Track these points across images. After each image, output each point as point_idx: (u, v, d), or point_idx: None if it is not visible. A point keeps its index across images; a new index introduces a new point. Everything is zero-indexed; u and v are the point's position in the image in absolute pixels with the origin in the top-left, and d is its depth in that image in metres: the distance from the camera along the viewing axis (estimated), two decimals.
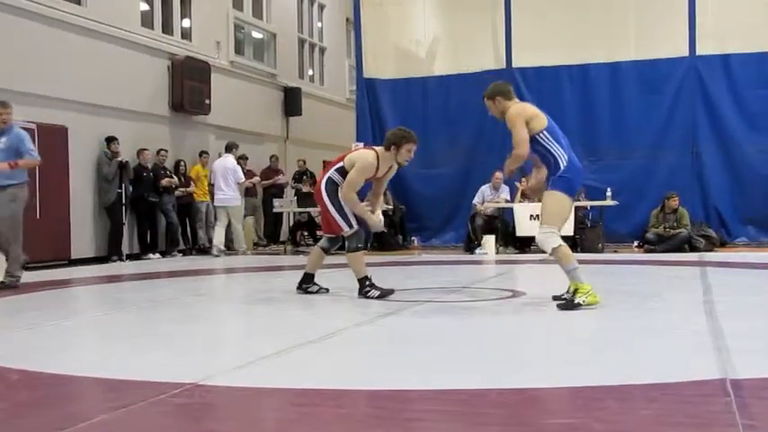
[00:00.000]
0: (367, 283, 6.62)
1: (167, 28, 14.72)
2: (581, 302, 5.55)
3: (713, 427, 2.80)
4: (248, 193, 15.27)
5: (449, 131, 14.64)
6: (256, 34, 17.71)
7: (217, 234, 13.72)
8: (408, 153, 6.59)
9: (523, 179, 13.81)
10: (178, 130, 14.72)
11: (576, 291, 5.63)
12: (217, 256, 13.34)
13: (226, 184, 13.61)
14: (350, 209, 6.52)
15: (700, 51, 13.63)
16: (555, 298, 5.97)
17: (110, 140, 12.59)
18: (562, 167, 5.74)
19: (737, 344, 4.22)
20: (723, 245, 12.91)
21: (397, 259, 11.92)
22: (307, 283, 7.11)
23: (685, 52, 13.68)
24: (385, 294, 6.52)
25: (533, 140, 5.76)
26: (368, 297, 6.54)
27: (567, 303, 5.65)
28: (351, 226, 6.60)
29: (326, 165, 7.09)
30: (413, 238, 14.70)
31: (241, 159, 15.67)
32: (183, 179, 14.06)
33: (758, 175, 13.33)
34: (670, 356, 4.06)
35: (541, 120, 5.82)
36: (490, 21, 14.89)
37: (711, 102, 13.64)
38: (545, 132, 5.77)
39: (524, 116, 5.81)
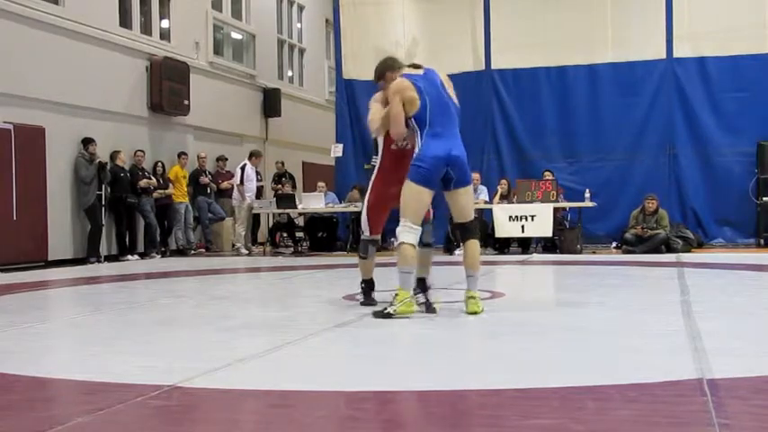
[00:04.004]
0: (362, 285, 6.42)
1: (146, 28, 14.66)
2: (391, 312, 5.38)
3: (690, 427, 2.82)
4: (226, 194, 15.24)
5: None
6: (235, 35, 17.66)
7: (239, 233, 14.66)
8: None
9: (503, 181, 13.89)
10: (156, 130, 14.65)
11: (396, 296, 5.50)
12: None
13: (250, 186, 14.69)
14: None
15: (676, 54, 13.77)
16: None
17: (87, 142, 12.51)
18: (415, 154, 5.56)
19: (714, 344, 4.26)
20: (700, 246, 13.03)
21: (376, 261, 11.90)
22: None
23: (662, 55, 13.82)
24: (364, 303, 6.31)
25: (406, 122, 5.61)
26: (358, 299, 6.43)
27: (380, 311, 5.48)
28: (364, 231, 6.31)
29: None
30: (391, 239, 14.67)
31: (219, 161, 15.70)
32: (160, 180, 14.00)
33: (734, 177, 13.50)
34: (647, 357, 4.08)
35: (415, 103, 5.56)
36: (469, 22, 14.95)
37: (688, 104, 13.79)
38: (413, 120, 5.57)
39: (402, 96, 5.57)
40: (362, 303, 6.28)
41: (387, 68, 5.89)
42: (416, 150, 5.55)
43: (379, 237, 6.34)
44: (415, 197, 5.52)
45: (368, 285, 6.40)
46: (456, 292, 6.73)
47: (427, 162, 5.46)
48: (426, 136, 5.51)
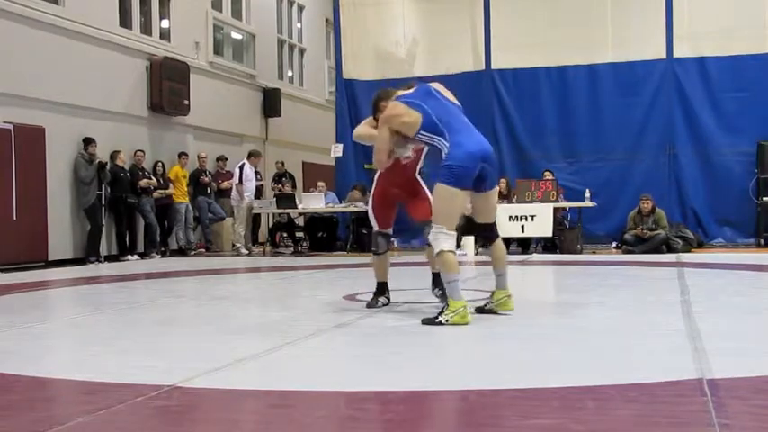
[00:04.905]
0: (375, 289, 6.23)
1: (146, 28, 14.66)
2: (443, 321, 5.09)
3: (690, 427, 2.82)
4: (226, 194, 15.23)
5: None
6: (235, 35, 17.66)
7: (239, 233, 14.61)
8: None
9: (503, 180, 13.88)
10: (156, 130, 14.65)
11: (446, 306, 5.19)
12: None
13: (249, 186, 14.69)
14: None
15: (676, 54, 13.77)
16: (478, 310, 5.61)
17: (87, 142, 12.51)
18: (444, 155, 5.26)
19: (714, 344, 4.26)
20: (700, 246, 13.02)
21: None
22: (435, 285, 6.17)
23: (662, 55, 13.81)
24: (369, 306, 6.15)
25: (415, 138, 5.48)
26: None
27: (430, 319, 5.21)
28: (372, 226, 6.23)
29: None
30: (392, 239, 14.69)
31: (220, 161, 15.69)
32: (160, 180, 14.01)
33: (734, 177, 13.50)
34: (647, 357, 4.09)
35: (413, 124, 5.36)
36: (469, 22, 14.95)
37: (688, 104, 13.79)
38: (422, 132, 5.34)
39: (392, 124, 5.45)
40: (367, 305, 6.17)
41: (379, 99, 5.82)
42: (443, 150, 5.28)
43: (389, 230, 6.18)
44: (448, 201, 5.25)
45: (379, 289, 6.22)
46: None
47: (461, 160, 5.19)
48: (450, 137, 5.28)
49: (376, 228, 6.13)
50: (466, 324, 5.13)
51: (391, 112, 5.49)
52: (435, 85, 5.67)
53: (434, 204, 5.42)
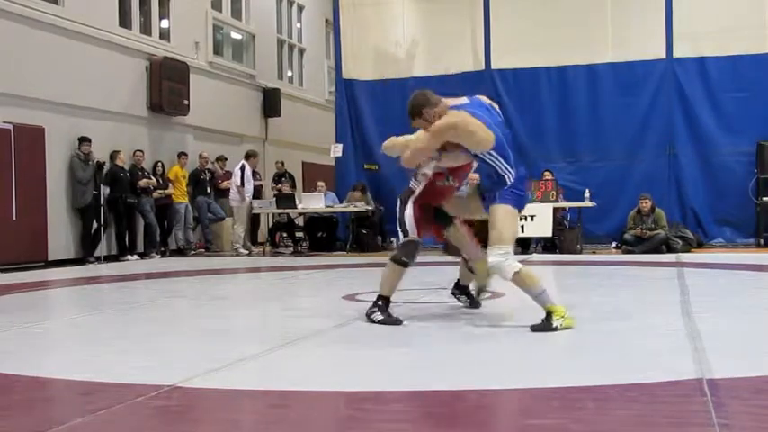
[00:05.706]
0: (379, 302, 5.45)
1: (145, 28, 14.65)
2: (558, 326, 4.85)
3: (690, 427, 2.82)
4: (225, 194, 15.22)
5: None
6: (235, 35, 17.66)
7: (238, 234, 14.58)
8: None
9: None
10: (156, 130, 14.64)
11: (549, 313, 4.91)
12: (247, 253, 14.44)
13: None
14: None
15: (676, 54, 13.76)
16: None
17: (81, 141, 12.48)
18: (509, 182, 5.06)
19: (714, 344, 4.26)
20: (700, 246, 13.01)
21: (377, 261, 11.89)
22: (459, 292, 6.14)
23: (662, 55, 13.80)
24: (388, 323, 5.33)
25: (476, 157, 5.12)
26: (370, 318, 5.38)
27: (543, 325, 4.90)
28: (405, 234, 5.63)
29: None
30: (392, 239, 14.70)
31: (219, 161, 15.68)
32: (160, 180, 14.00)
33: (734, 177, 13.48)
34: (647, 357, 4.08)
35: (486, 142, 4.98)
36: (469, 23, 14.94)
37: (688, 104, 13.78)
38: (491, 152, 4.99)
39: (459, 137, 5.03)
40: (383, 322, 5.33)
41: (421, 105, 5.07)
42: (507, 177, 5.06)
43: (422, 240, 5.69)
44: (513, 223, 5.22)
45: (386, 303, 5.48)
46: None
47: (521, 189, 5.21)
48: (511, 162, 5.06)
49: (414, 235, 5.58)
50: (573, 327, 4.91)
51: (466, 126, 4.97)
52: (481, 98, 5.35)
53: (502, 226, 5.06)
